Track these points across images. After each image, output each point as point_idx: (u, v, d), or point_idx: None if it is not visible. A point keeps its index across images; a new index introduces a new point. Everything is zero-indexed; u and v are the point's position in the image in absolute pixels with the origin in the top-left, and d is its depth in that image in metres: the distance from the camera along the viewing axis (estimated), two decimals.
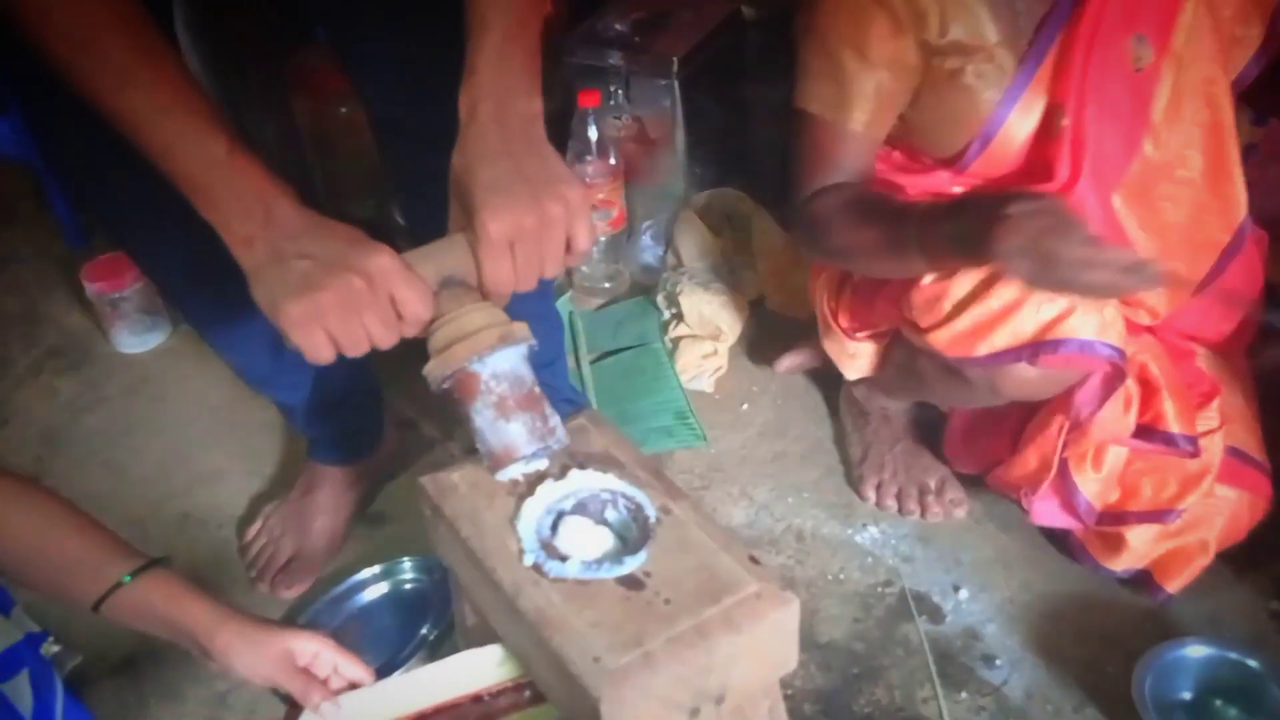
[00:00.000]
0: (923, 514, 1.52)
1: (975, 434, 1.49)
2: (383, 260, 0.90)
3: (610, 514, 1.02)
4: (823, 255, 1.40)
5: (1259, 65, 1.33)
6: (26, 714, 1.00)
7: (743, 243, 1.89)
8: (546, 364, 1.47)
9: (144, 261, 1.37)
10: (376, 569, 1.48)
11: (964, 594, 1.41)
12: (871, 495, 1.54)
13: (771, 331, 1.83)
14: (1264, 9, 1.31)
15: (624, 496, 1.03)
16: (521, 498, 1.03)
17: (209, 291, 1.26)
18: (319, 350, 0.91)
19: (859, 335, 1.48)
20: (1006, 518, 1.50)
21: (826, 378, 1.73)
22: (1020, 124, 1.28)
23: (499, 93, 0.96)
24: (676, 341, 1.78)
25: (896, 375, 1.48)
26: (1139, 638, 1.30)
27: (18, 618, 1.04)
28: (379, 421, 1.62)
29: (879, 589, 1.43)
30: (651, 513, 1.01)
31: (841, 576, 1.46)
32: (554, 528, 1.00)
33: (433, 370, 0.97)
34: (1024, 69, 1.26)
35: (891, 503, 1.53)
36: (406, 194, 1.44)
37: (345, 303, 0.89)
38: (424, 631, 1.40)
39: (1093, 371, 1.24)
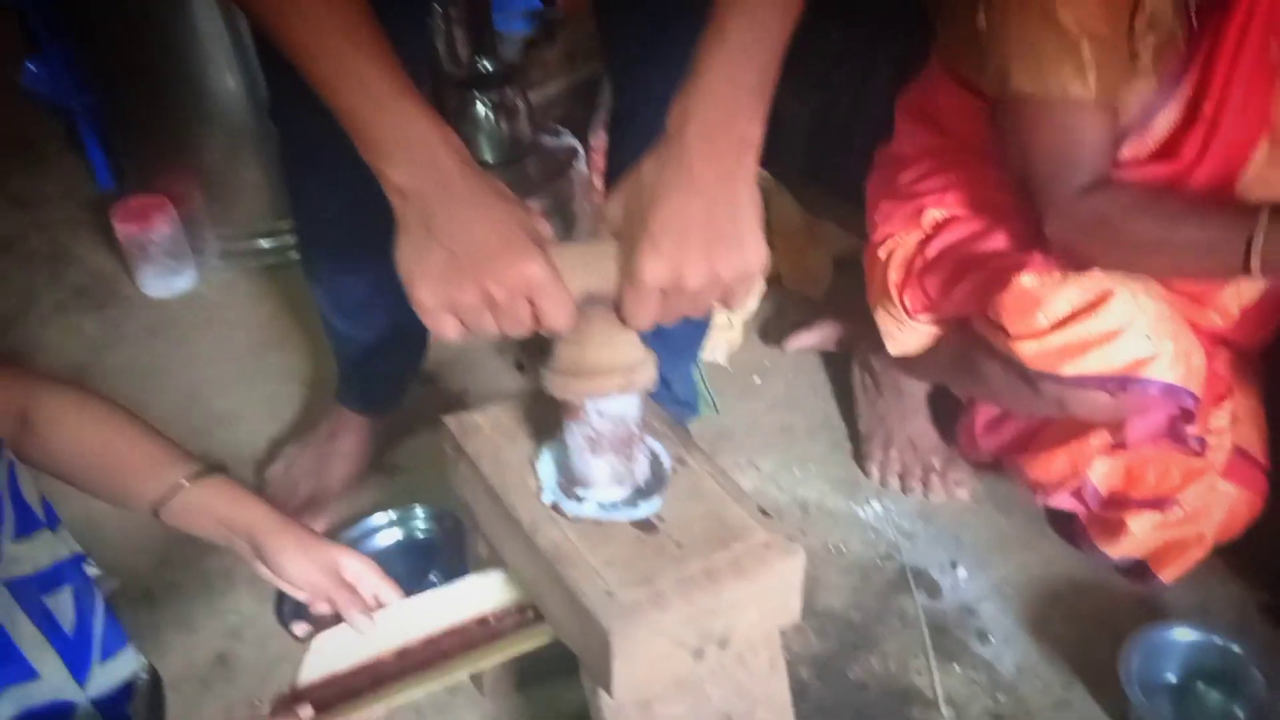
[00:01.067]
0: (925, 492, 1.55)
1: (999, 428, 1.51)
2: (530, 270, 0.84)
3: None
4: (1107, 254, 1.23)
5: None
6: (68, 629, 1.03)
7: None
8: (682, 356, 1.50)
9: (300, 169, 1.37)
10: (390, 514, 1.52)
11: (962, 572, 1.45)
12: (876, 472, 1.58)
13: (786, 309, 1.86)
14: None
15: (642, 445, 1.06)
16: (542, 440, 1.07)
17: (350, 226, 1.28)
18: (445, 333, 0.88)
19: (920, 317, 1.46)
20: (1007, 501, 1.53)
21: (836, 357, 1.76)
22: (1169, 113, 1.26)
23: (717, 112, 0.85)
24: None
25: (944, 363, 1.47)
26: (1129, 622, 1.33)
27: (63, 535, 1.07)
28: (412, 374, 1.65)
29: (879, 562, 1.47)
30: (667, 462, 1.04)
31: (843, 549, 1.49)
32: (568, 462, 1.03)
33: (547, 384, 0.95)
34: (1189, 61, 1.23)
35: (894, 480, 1.56)
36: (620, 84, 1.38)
37: (481, 306, 0.86)
38: (432, 578, 1.44)
39: (1166, 410, 1.27)
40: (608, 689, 0.95)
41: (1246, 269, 1.12)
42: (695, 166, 0.84)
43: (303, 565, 1.06)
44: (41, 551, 0.99)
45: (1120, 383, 1.20)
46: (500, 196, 0.88)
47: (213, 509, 1.05)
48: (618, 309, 0.89)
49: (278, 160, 1.43)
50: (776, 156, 2.04)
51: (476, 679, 1.32)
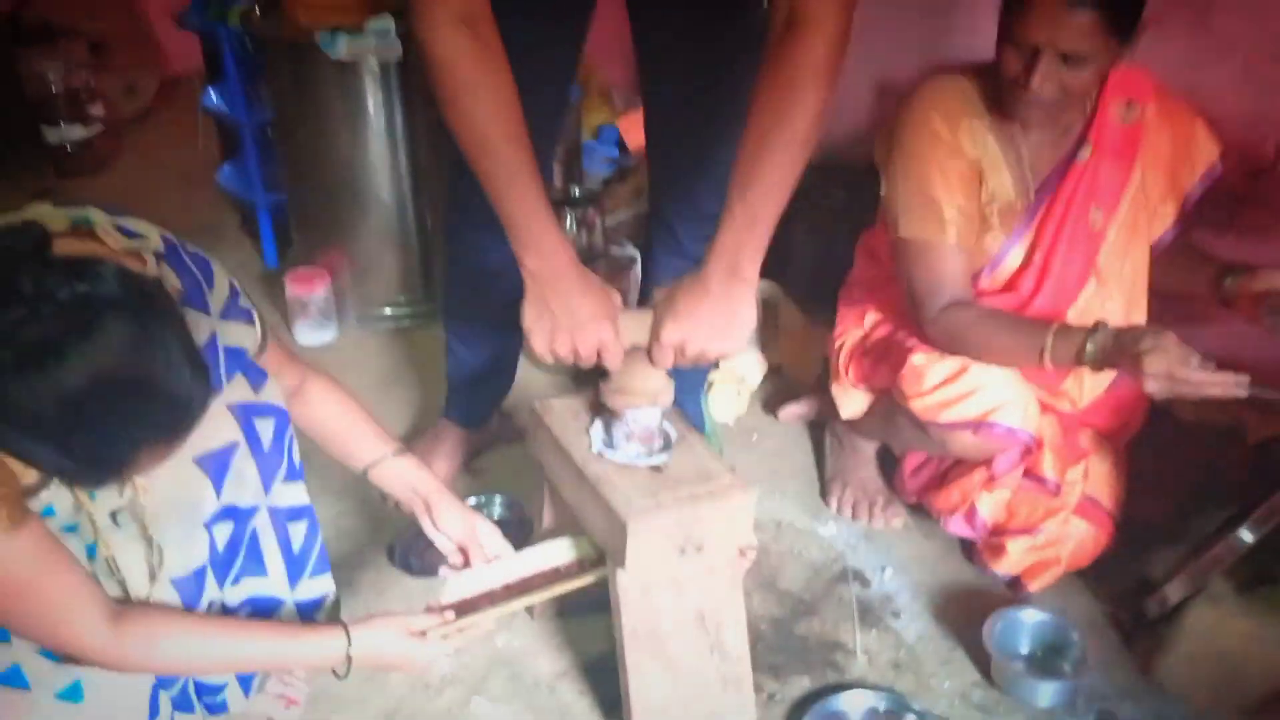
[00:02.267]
0: (870, 520, 2.09)
1: (919, 472, 2.06)
2: (602, 335, 1.47)
3: None
4: (957, 351, 1.76)
5: (1171, 235, 1.88)
6: (295, 550, 1.52)
7: (769, 321, 2.51)
8: (689, 389, 2.07)
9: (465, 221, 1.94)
10: (478, 499, 2.08)
11: (888, 573, 1.98)
12: (834, 503, 2.13)
13: (783, 388, 2.44)
14: (1178, 195, 1.87)
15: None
16: (591, 417, 1.64)
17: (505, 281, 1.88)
18: (544, 358, 1.52)
19: (860, 387, 2.03)
20: (928, 530, 2.06)
21: (815, 427, 2.32)
22: (1014, 256, 1.85)
23: (731, 261, 1.43)
24: (710, 384, 2.38)
25: (878, 421, 2.03)
26: None
27: (304, 486, 1.54)
28: (498, 403, 2.24)
29: (828, 563, 2.00)
30: (673, 435, 1.61)
31: (804, 553, 2.03)
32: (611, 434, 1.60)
33: (603, 397, 1.56)
34: (1026, 221, 1.82)
35: (848, 510, 2.11)
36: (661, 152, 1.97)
37: (569, 346, 1.48)
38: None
39: (1012, 446, 1.82)
40: (623, 566, 1.50)
41: (1042, 364, 1.68)
42: (711, 288, 1.46)
43: (452, 519, 1.61)
44: (296, 494, 1.52)
45: (976, 425, 1.75)
46: (591, 283, 1.52)
47: (404, 475, 1.61)
48: (649, 355, 1.51)
49: (444, 245, 2.06)
50: (788, 277, 2.66)
51: (529, 608, 1.86)
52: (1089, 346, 1.61)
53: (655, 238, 2.05)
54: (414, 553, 2.01)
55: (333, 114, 2.54)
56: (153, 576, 1.36)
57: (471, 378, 2.15)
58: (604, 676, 1.73)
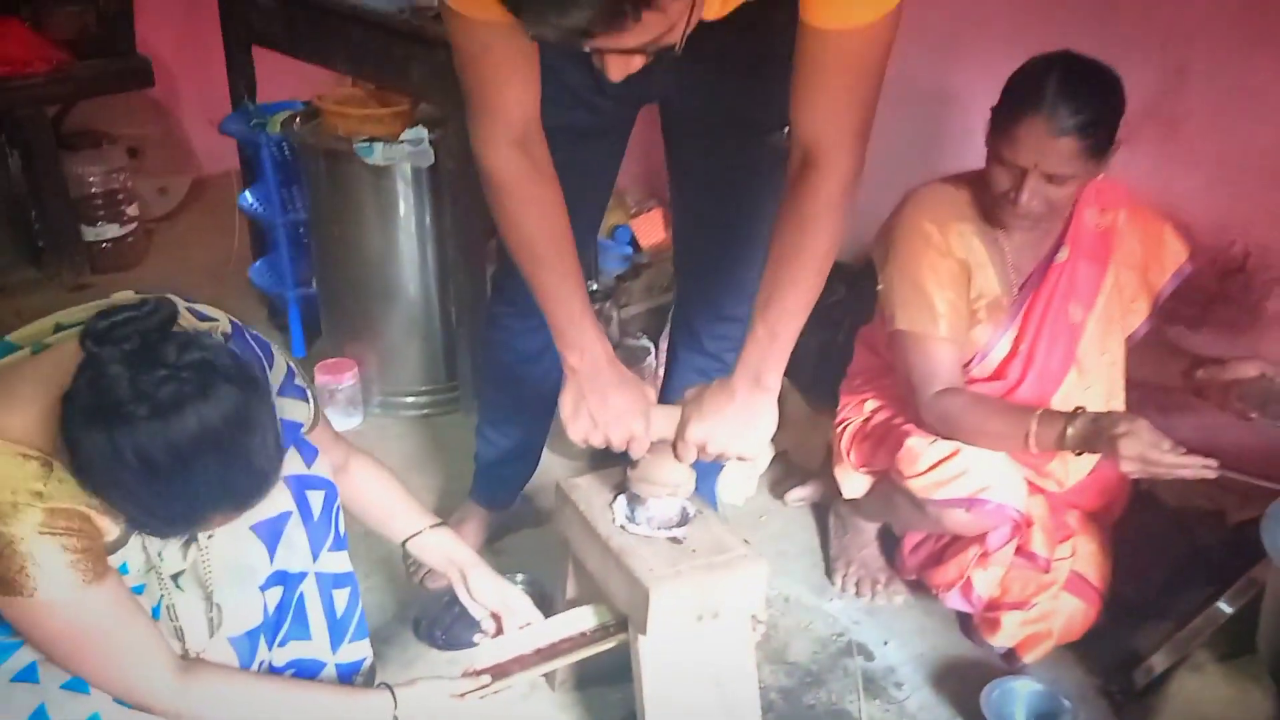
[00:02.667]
0: (872, 597, 2.21)
1: (918, 550, 2.18)
2: (633, 428, 1.63)
3: None
4: (951, 434, 1.90)
5: (1145, 329, 2.05)
6: (338, 614, 1.63)
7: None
8: (705, 477, 2.16)
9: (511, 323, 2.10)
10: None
11: (890, 646, 2.09)
12: (839, 580, 2.25)
13: (789, 474, 2.57)
14: (1150, 293, 2.04)
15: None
16: (614, 494, 1.77)
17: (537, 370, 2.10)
18: (579, 444, 1.67)
19: (861, 469, 2.16)
20: (928, 607, 2.18)
21: (820, 509, 2.45)
22: (1001, 347, 2.01)
23: (755, 371, 1.59)
24: (722, 468, 2.51)
25: (878, 501, 2.16)
26: None
27: (347, 555, 1.68)
28: (521, 487, 2.37)
29: (834, 636, 2.12)
30: (691, 511, 1.74)
31: (811, 626, 2.14)
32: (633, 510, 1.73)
33: (630, 484, 1.70)
34: (1011, 315, 1.99)
35: (852, 587, 2.23)
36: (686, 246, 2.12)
37: (603, 436, 1.64)
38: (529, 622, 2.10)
39: (1003, 523, 1.95)
40: (644, 632, 1.61)
41: (1027, 447, 1.81)
42: (736, 395, 1.61)
43: (486, 590, 1.73)
44: (341, 562, 1.65)
45: (969, 503, 1.88)
46: (626, 380, 1.68)
47: (442, 547, 1.74)
48: (674, 449, 1.66)
49: (482, 334, 2.23)
50: (792, 369, 2.79)
51: (550, 678, 1.96)
52: (1069, 431, 1.74)
53: (676, 337, 2.21)
54: (439, 626, 2.14)
55: (365, 214, 2.72)
56: (212, 635, 1.49)
57: (499, 460, 2.28)
58: None
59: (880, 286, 1.99)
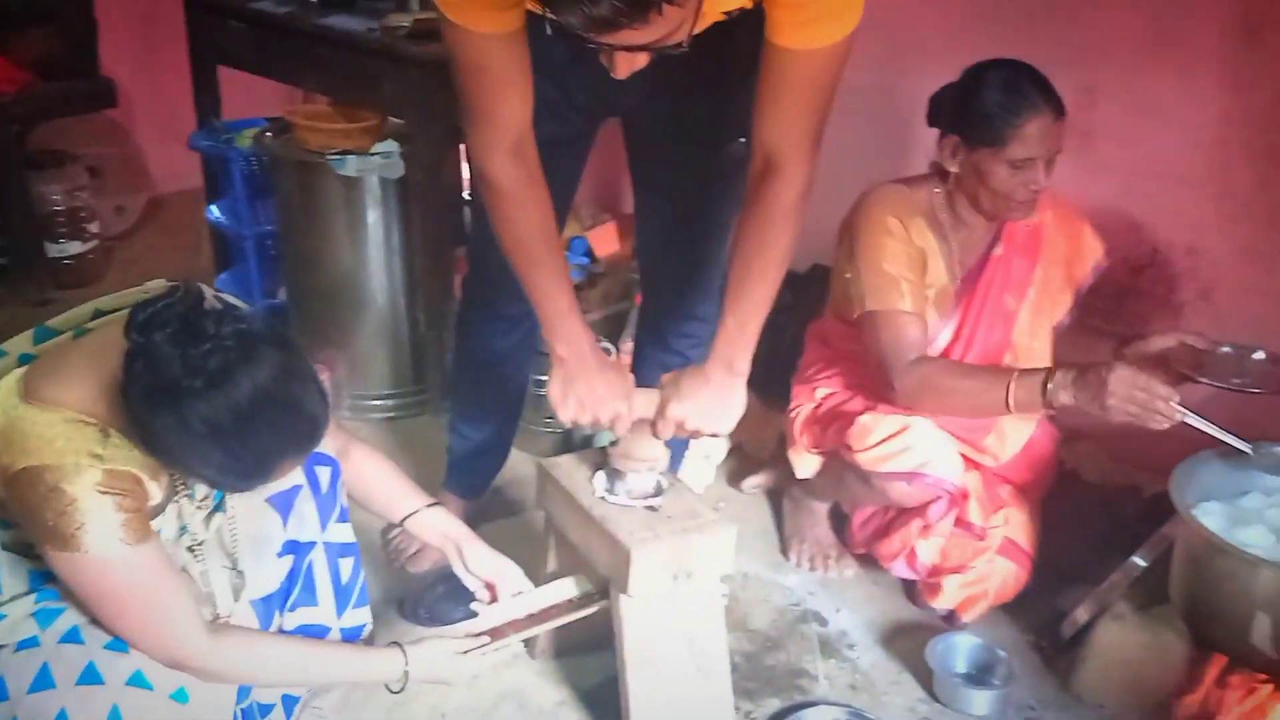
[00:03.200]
0: (825, 570, 2.39)
1: (866, 525, 2.36)
2: (617, 410, 1.78)
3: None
4: (926, 400, 2.04)
5: (1069, 318, 2.26)
6: (343, 581, 1.76)
7: None
8: (677, 451, 2.34)
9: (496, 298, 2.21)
10: None
11: (843, 613, 2.27)
12: (793, 557, 2.42)
13: (743, 465, 2.74)
14: (1073, 285, 2.25)
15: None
16: (593, 470, 1.92)
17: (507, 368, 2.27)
18: (570, 424, 1.82)
19: (813, 451, 2.34)
20: (876, 577, 2.36)
21: (773, 495, 2.63)
22: (946, 334, 2.21)
23: (729, 355, 1.77)
24: (685, 457, 2.68)
25: (828, 480, 2.33)
26: None
27: (351, 528, 1.81)
28: (492, 477, 2.52)
29: (791, 606, 2.29)
30: (665, 484, 1.90)
31: (769, 598, 2.31)
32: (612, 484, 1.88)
33: (612, 460, 1.85)
34: (955, 305, 2.19)
35: (806, 562, 2.41)
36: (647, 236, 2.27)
37: (590, 415, 1.79)
38: None
39: (942, 496, 2.14)
40: (626, 591, 1.77)
41: (1007, 407, 1.98)
42: (711, 379, 1.79)
43: (482, 559, 1.85)
44: (346, 533, 1.79)
45: (910, 476, 2.07)
46: (608, 367, 1.84)
47: (438, 525, 1.86)
48: (653, 428, 1.82)
49: (454, 335, 2.38)
50: None
51: (530, 647, 2.10)
52: (1049, 385, 1.90)
53: (643, 338, 2.38)
54: (423, 605, 2.27)
55: (336, 225, 2.85)
56: (236, 600, 1.61)
57: (472, 453, 2.43)
58: (598, 705, 1.99)
59: (848, 276, 2.16)
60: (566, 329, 1.80)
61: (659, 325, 2.32)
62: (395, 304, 2.94)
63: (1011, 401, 1.97)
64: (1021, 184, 2.04)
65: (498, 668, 2.05)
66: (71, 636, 1.49)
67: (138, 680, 1.48)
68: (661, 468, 1.87)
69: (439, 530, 1.87)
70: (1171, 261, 2.39)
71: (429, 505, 1.86)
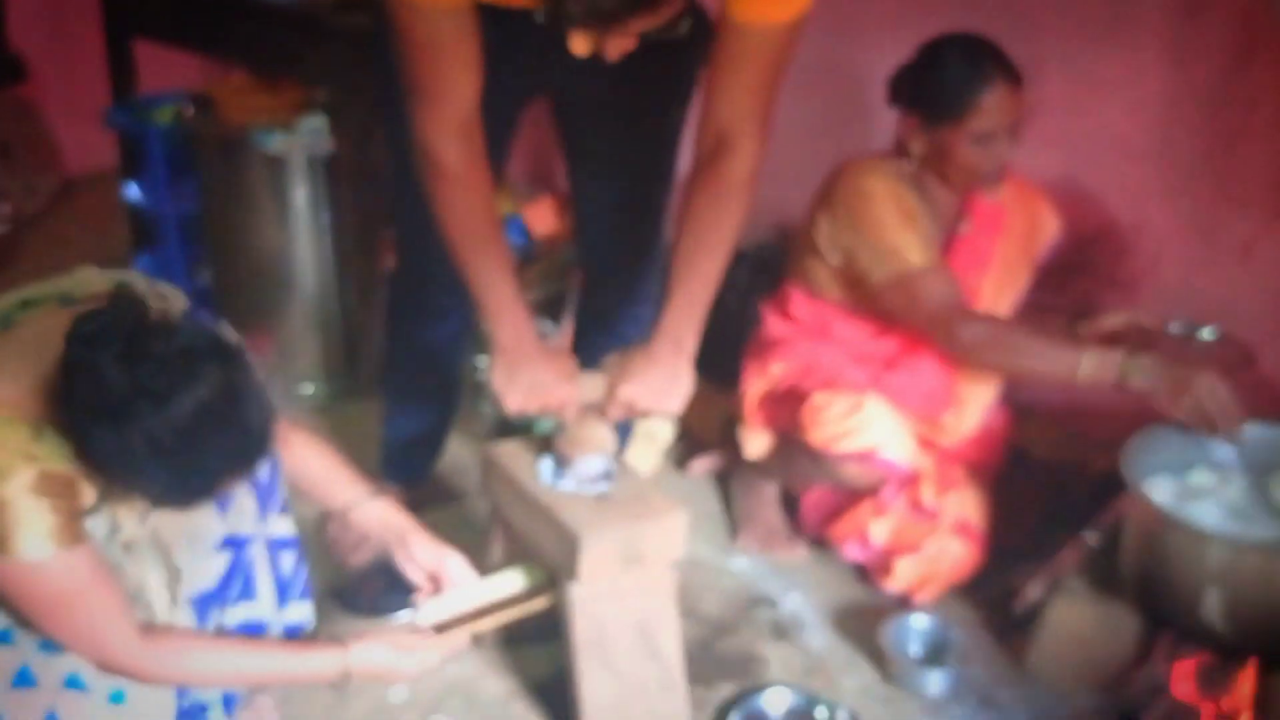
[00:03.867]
0: (775, 553, 2.35)
1: (817, 507, 2.33)
2: (563, 395, 1.74)
3: None
4: (988, 358, 2.02)
5: (1026, 293, 2.24)
6: (284, 576, 1.70)
7: None
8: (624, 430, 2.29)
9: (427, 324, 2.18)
10: None
11: (794, 596, 2.23)
12: (743, 540, 2.38)
13: (691, 448, 2.69)
14: (1029, 261, 2.24)
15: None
16: (538, 456, 1.86)
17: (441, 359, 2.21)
18: (517, 412, 1.76)
19: (764, 428, 2.29)
20: (827, 560, 2.33)
21: (721, 478, 2.59)
22: None
23: (674, 337, 1.76)
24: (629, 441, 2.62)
25: (778, 460, 2.30)
26: None
27: (292, 519, 1.74)
28: (431, 465, 2.43)
29: (741, 590, 2.25)
30: (613, 468, 1.84)
31: (718, 583, 2.27)
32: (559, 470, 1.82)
33: (559, 447, 1.78)
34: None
35: (756, 546, 2.36)
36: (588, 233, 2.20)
37: (538, 402, 1.74)
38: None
39: (891, 477, 2.11)
40: (575, 579, 1.71)
41: (1075, 377, 1.92)
42: (659, 357, 1.76)
43: (426, 549, 1.77)
44: (287, 526, 1.71)
45: (862, 457, 2.03)
46: (551, 353, 1.80)
47: (380, 514, 1.77)
48: (602, 410, 1.77)
49: (385, 326, 2.29)
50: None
51: (478, 638, 2.03)
52: (1125, 364, 1.87)
53: (584, 319, 2.32)
54: (362, 596, 2.19)
55: (261, 205, 2.74)
56: (174, 599, 1.53)
57: (408, 444, 2.34)
58: (549, 695, 1.93)
59: (843, 248, 2.11)
60: (510, 317, 1.74)
61: (601, 307, 2.25)
62: (325, 286, 2.84)
63: (1082, 370, 1.91)
64: (986, 157, 2.02)
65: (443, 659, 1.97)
66: (3, 638, 1.43)
67: (73, 683, 1.43)
68: (610, 451, 1.81)
69: (380, 520, 1.79)
70: (1118, 236, 2.38)
71: (370, 495, 1.79)
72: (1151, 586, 1.87)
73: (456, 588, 1.78)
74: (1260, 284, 2.19)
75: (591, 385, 1.77)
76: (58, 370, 1.29)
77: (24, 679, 1.41)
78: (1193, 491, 1.93)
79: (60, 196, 4.15)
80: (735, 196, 1.75)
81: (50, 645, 1.43)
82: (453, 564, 1.80)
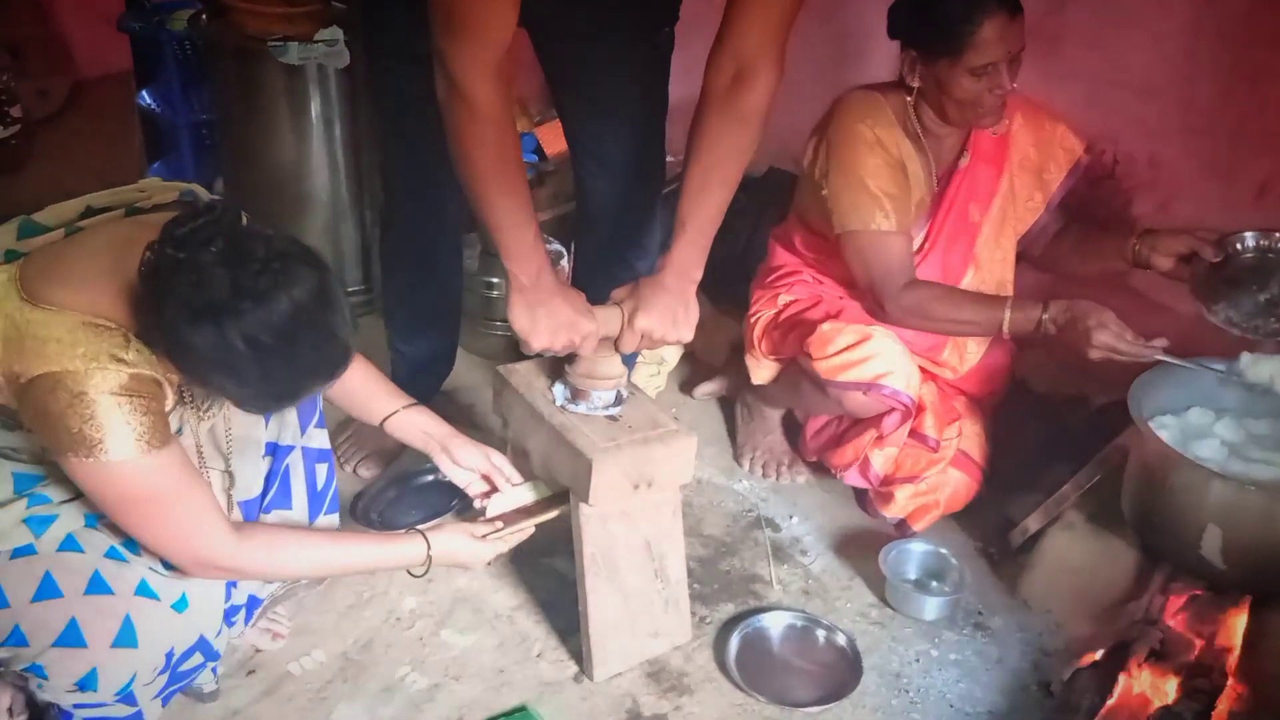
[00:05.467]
0: (777, 477, 2.39)
1: (820, 434, 2.36)
2: (584, 329, 1.75)
3: None
4: (921, 325, 2.09)
5: (1046, 220, 2.24)
6: (318, 487, 1.78)
7: None
8: (631, 360, 2.35)
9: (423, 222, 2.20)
10: (425, 465, 2.28)
11: (795, 519, 2.28)
12: (746, 463, 2.42)
13: (696, 371, 2.72)
14: (1046, 190, 2.23)
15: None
16: (551, 380, 1.89)
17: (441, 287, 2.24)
18: (537, 350, 1.77)
19: (770, 357, 2.32)
20: (828, 485, 2.38)
21: (725, 402, 2.62)
22: (918, 243, 2.17)
23: (683, 267, 1.78)
24: (636, 364, 2.65)
25: (784, 387, 2.32)
26: None
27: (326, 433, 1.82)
28: (439, 384, 2.47)
29: (744, 512, 2.30)
30: (625, 392, 1.87)
31: (721, 504, 2.32)
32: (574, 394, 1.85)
33: (573, 380, 1.81)
34: (927, 215, 2.16)
35: (758, 469, 2.41)
36: (584, 158, 2.17)
37: (558, 339, 1.74)
38: (454, 503, 2.20)
39: (896, 407, 2.13)
40: (586, 500, 1.75)
41: (1000, 333, 2.01)
42: (669, 286, 1.79)
43: (469, 453, 1.83)
44: (323, 439, 1.78)
45: (867, 386, 2.05)
46: (566, 289, 1.80)
47: (419, 423, 1.83)
48: (616, 344, 1.80)
49: (382, 258, 2.31)
50: None
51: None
52: (1045, 318, 1.96)
53: (587, 254, 2.32)
54: (374, 510, 2.22)
55: (277, 116, 2.73)
56: (230, 503, 1.61)
57: (414, 370, 2.37)
58: (555, 609, 1.99)
59: (825, 192, 2.12)
60: (531, 257, 1.75)
61: (605, 243, 2.26)
62: (339, 200, 2.85)
63: (1006, 330, 2.02)
64: (986, 89, 2.00)
65: (452, 572, 2.03)
66: (70, 544, 1.49)
67: (144, 590, 1.50)
68: (621, 385, 1.85)
69: (420, 429, 1.84)
70: (1132, 173, 2.37)
71: (408, 406, 1.83)
72: (1151, 522, 1.91)
73: (513, 488, 1.84)
74: (1273, 224, 2.18)
75: (607, 318, 1.80)
76: (143, 276, 1.32)
77: (98, 585, 1.47)
78: (1196, 430, 1.96)
79: (72, 100, 4.12)
80: (751, 127, 1.76)
81: (115, 552, 1.50)
82: (499, 462, 1.85)
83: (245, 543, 1.51)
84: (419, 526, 1.71)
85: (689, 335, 1.82)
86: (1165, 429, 1.93)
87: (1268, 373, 1.90)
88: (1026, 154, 2.19)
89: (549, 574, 2.06)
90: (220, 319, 1.29)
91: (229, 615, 1.66)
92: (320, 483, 1.77)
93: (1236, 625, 1.77)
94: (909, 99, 2.11)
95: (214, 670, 1.70)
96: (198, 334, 1.29)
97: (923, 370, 2.18)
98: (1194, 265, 2.05)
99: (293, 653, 1.88)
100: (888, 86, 2.14)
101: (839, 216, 2.10)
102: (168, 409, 1.43)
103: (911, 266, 2.11)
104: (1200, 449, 1.88)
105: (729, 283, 2.70)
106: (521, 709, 1.80)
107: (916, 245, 2.17)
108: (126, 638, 1.48)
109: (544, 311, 1.75)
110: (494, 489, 1.84)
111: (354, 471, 2.32)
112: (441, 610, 1.99)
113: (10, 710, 1.70)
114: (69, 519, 1.50)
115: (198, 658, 1.60)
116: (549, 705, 1.82)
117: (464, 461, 1.83)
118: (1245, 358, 1.92)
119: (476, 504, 1.85)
